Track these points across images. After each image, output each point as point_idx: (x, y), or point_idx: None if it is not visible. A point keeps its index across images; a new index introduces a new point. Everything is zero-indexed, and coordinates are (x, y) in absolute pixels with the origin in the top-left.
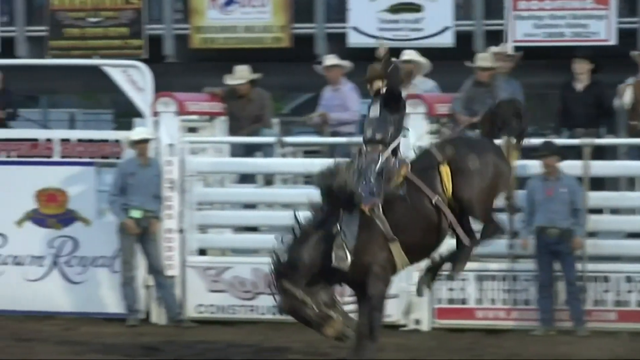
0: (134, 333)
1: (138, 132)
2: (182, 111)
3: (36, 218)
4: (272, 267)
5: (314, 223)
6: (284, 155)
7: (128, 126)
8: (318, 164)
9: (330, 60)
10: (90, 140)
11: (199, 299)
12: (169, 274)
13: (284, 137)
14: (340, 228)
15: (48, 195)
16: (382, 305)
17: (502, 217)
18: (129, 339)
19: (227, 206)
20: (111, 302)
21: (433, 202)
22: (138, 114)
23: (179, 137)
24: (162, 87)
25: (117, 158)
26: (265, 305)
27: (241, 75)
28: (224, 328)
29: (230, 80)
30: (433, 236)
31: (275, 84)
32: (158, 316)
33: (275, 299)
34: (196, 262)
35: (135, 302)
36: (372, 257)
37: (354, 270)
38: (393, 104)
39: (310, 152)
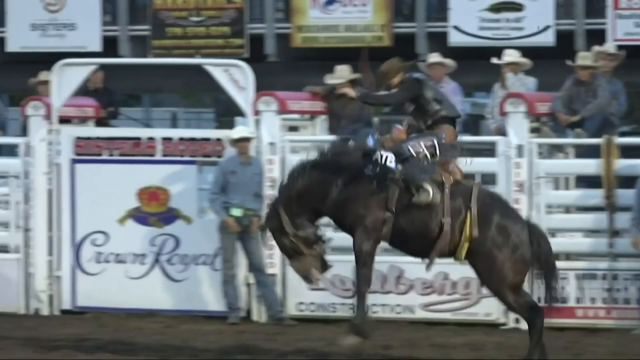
0: (235, 331)
1: (238, 131)
2: (283, 110)
3: (138, 216)
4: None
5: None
6: None
7: (230, 125)
8: None
9: (435, 58)
10: (192, 139)
11: (300, 297)
12: (269, 272)
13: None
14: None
15: (150, 194)
16: (368, 261)
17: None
18: (229, 336)
19: None
20: (212, 300)
21: (443, 220)
22: (239, 112)
23: (280, 136)
24: (264, 86)
25: (219, 157)
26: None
27: (342, 74)
28: (324, 326)
29: (331, 80)
30: (421, 245)
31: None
32: (259, 314)
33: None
34: None
35: (236, 300)
36: (368, 211)
37: (344, 214)
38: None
39: None
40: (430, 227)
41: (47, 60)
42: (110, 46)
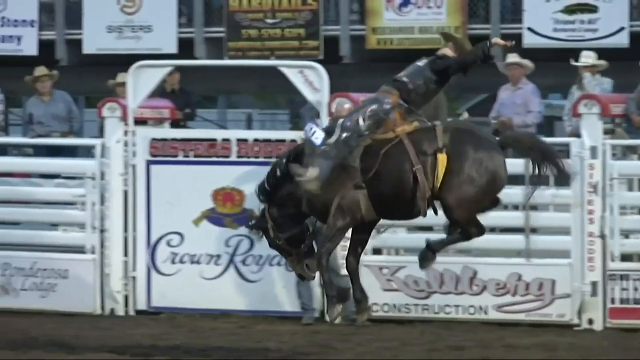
0: (309, 331)
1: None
2: None
3: (213, 217)
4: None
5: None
6: None
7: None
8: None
9: (513, 58)
10: (267, 140)
11: (373, 297)
12: (343, 272)
13: None
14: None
15: (225, 195)
16: (336, 238)
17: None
18: (303, 337)
19: None
20: (286, 301)
21: (414, 169)
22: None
23: None
24: (338, 87)
25: None
26: (439, 304)
27: None
28: (398, 327)
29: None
30: (405, 202)
31: (450, 84)
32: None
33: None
34: (371, 261)
35: (310, 301)
36: (337, 192)
37: (320, 203)
38: (444, 74)
39: None
40: (405, 182)
41: (123, 62)
42: (185, 48)
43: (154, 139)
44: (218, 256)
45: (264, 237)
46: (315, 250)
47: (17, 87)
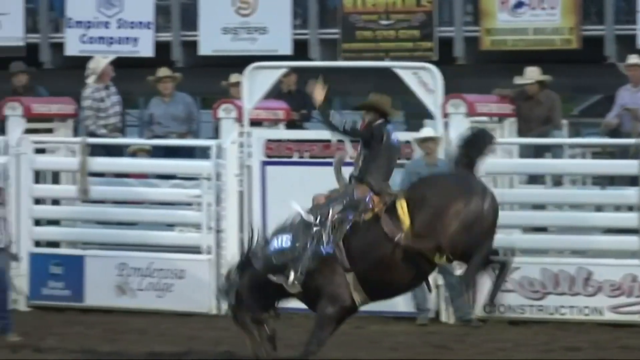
0: (423, 332)
1: (425, 131)
2: (471, 112)
3: None
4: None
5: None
6: (573, 157)
7: (419, 128)
8: (606, 165)
9: (634, 59)
10: None
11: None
12: (458, 273)
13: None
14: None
15: None
16: (328, 327)
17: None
18: (417, 337)
19: (516, 206)
20: (400, 301)
21: (395, 239)
22: (428, 115)
23: None
24: (452, 88)
25: (408, 159)
26: (554, 305)
27: (531, 75)
28: (512, 328)
29: (519, 80)
30: (398, 274)
31: (564, 85)
32: (447, 315)
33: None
34: None
35: (424, 301)
36: (326, 280)
37: (308, 294)
38: (376, 144)
39: (598, 153)
40: (395, 257)
41: (238, 63)
42: (300, 49)
43: (269, 140)
44: None
45: None
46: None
47: (133, 89)
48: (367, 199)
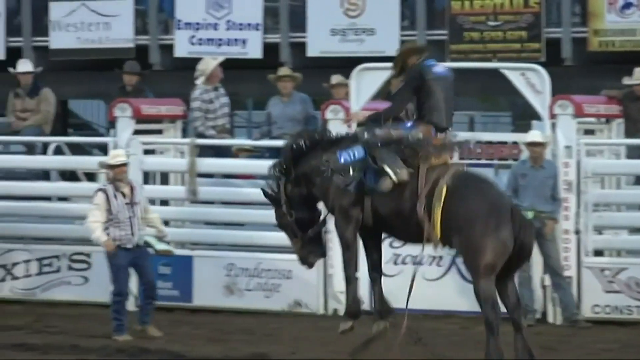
0: (530, 332)
1: (532, 135)
2: (579, 113)
3: None
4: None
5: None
6: None
7: (526, 128)
8: None
9: None
10: (489, 142)
11: (595, 299)
12: (565, 274)
13: None
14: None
15: None
16: (351, 245)
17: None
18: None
19: (623, 207)
20: None
21: (418, 201)
22: (536, 116)
23: (576, 139)
24: (560, 89)
25: (515, 160)
26: None
27: (639, 76)
28: (619, 329)
29: (627, 81)
30: (403, 226)
31: None
32: (554, 316)
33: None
34: (592, 262)
35: (532, 302)
36: (338, 200)
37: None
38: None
39: None
40: (406, 212)
41: (346, 64)
42: None
43: None
44: (440, 257)
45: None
46: (322, 238)
47: (241, 90)
48: (428, 140)
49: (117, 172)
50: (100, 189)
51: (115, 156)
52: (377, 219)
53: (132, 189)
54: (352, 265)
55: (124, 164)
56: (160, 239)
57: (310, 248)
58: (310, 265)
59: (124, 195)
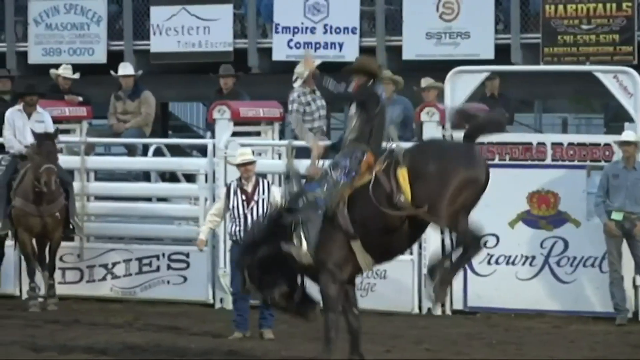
0: (622, 331)
1: (625, 134)
2: None
3: (528, 219)
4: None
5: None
6: None
7: (619, 131)
8: None
9: None
10: (582, 144)
11: None
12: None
13: None
14: (302, 221)
15: (540, 197)
16: (335, 306)
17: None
18: (616, 337)
19: None
20: (599, 301)
21: (395, 200)
22: (629, 118)
23: None
24: None
25: (607, 161)
26: None
27: None
28: None
29: None
30: (399, 236)
31: None
32: None
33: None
34: None
35: (623, 302)
36: (328, 254)
37: (311, 265)
38: (372, 105)
39: None
40: (394, 218)
41: (441, 67)
42: (502, 54)
43: None
44: (533, 257)
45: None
46: (309, 296)
47: None
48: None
49: (243, 171)
50: (227, 185)
51: (242, 155)
52: (375, 251)
53: (255, 187)
54: (334, 327)
55: (249, 163)
56: None
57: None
58: (313, 318)
59: (245, 192)
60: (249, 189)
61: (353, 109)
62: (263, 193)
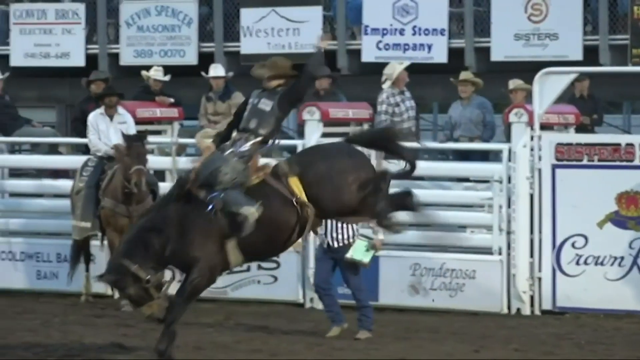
0: None
1: None
2: None
3: (616, 220)
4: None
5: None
6: None
7: None
8: None
9: None
10: None
11: None
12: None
13: None
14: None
15: (628, 198)
16: (193, 297)
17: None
18: None
19: None
20: None
21: (294, 201)
22: None
23: None
24: None
25: None
26: None
27: None
28: None
29: None
30: (284, 238)
31: None
32: None
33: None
34: None
35: None
36: (203, 251)
37: (183, 259)
38: (287, 105)
39: None
40: (289, 217)
41: (528, 69)
42: (590, 55)
43: (559, 144)
44: (622, 258)
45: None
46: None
47: (427, 94)
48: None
49: None
50: None
51: None
52: (251, 247)
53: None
54: (179, 315)
55: None
56: (371, 247)
57: (163, 305)
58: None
59: None
60: None
61: (266, 103)
62: None
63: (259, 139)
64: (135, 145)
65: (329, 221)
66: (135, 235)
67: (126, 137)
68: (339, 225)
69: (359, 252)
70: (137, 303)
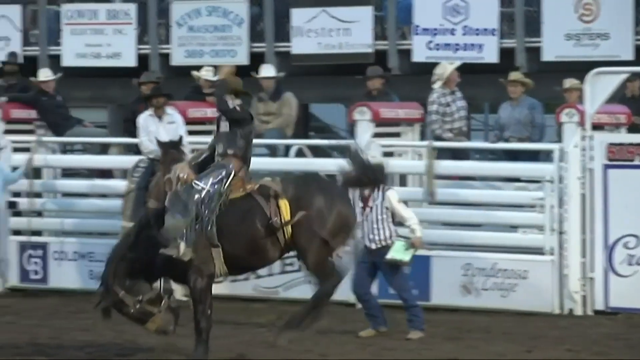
0: None
1: None
2: None
3: None
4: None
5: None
6: None
7: None
8: None
9: None
10: None
11: None
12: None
13: None
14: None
15: None
16: (204, 298)
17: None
18: None
19: None
20: None
21: (271, 221)
22: None
23: None
24: None
25: None
26: None
27: None
28: None
29: None
30: (260, 256)
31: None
32: None
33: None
34: None
35: None
36: (194, 253)
37: (179, 267)
38: (230, 123)
39: None
40: (261, 238)
41: (579, 69)
42: None
43: (610, 144)
44: None
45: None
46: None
47: (478, 94)
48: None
49: None
50: None
51: None
52: (232, 262)
53: (370, 193)
54: (205, 318)
55: None
56: (410, 245)
57: (167, 318)
58: (172, 333)
59: (362, 198)
60: (366, 194)
61: (225, 125)
62: (377, 198)
63: (233, 159)
64: (170, 152)
65: (365, 223)
66: (119, 254)
67: (161, 144)
68: (376, 226)
69: (398, 252)
70: (140, 321)
